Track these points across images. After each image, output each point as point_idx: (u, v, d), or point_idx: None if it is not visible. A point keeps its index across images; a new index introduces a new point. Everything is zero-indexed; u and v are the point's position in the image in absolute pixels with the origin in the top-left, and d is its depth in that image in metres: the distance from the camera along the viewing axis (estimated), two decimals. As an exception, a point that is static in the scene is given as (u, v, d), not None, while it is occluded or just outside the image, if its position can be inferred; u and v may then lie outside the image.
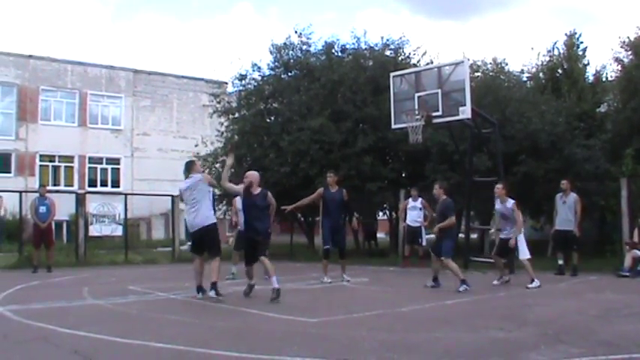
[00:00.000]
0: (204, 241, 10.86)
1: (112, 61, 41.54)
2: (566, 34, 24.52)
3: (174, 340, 7.04)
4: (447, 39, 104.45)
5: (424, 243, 17.93)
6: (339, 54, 24.58)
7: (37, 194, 18.20)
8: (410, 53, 24.17)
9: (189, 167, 11.57)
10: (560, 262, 15.15)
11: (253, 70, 25.05)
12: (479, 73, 23.73)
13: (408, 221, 17.81)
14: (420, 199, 17.79)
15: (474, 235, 18.03)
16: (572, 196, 15.24)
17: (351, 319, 8.81)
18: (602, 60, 52.27)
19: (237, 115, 25.21)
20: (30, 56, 35.65)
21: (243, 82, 25.24)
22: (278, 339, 7.20)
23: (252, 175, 11.22)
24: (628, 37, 20.18)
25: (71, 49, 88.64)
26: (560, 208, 15.36)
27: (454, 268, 12.07)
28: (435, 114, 15.26)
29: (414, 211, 17.70)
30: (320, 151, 21.22)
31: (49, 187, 28.67)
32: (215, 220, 11.16)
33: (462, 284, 11.77)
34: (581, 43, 24.36)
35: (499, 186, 13.08)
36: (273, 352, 6.44)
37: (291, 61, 24.70)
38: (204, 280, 10.84)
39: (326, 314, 9.04)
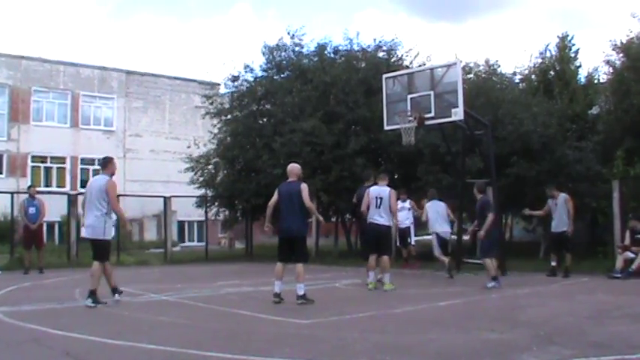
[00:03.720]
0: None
1: (104, 62, 41.43)
2: (558, 37, 24.63)
3: (166, 341, 7.04)
4: (443, 40, 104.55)
5: (413, 243, 18.08)
6: (332, 55, 24.60)
7: (26, 195, 18.21)
8: (403, 55, 24.23)
9: (104, 164, 10.90)
10: (553, 263, 15.17)
11: (246, 72, 25.12)
12: (471, 75, 23.78)
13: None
14: (408, 200, 17.85)
15: (466, 237, 18.01)
16: (562, 197, 15.29)
17: (343, 320, 8.81)
18: (594, 62, 52.49)
19: (229, 116, 25.23)
20: (22, 57, 35.53)
21: (236, 83, 25.28)
22: (270, 340, 7.20)
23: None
24: (620, 40, 20.24)
25: (64, 49, 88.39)
26: (554, 212, 15.38)
27: (489, 266, 12.64)
28: (427, 115, 15.26)
29: (402, 212, 17.72)
30: (312, 153, 21.22)
31: (41, 188, 28.65)
32: (102, 236, 10.23)
33: (493, 281, 12.46)
34: (574, 45, 24.47)
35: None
36: (266, 353, 6.44)
37: (284, 62, 24.73)
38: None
39: (318, 316, 9.03)
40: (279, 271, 10.45)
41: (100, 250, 10.37)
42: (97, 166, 36.32)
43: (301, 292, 10.25)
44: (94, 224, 10.20)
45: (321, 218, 11.82)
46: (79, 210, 12.39)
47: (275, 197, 10.71)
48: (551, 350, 6.47)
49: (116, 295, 10.56)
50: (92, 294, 10.01)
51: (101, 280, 10.39)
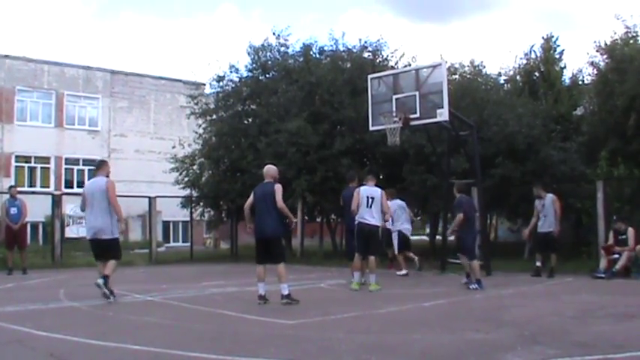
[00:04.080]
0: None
1: (89, 62, 41.21)
2: (543, 38, 24.76)
3: (151, 342, 7.01)
4: (429, 41, 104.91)
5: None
6: (317, 56, 24.58)
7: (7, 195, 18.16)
8: (388, 55, 24.20)
9: (99, 166, 11.49)
10: (538, 263, 15.17)
11: (231, 72, 25.06)
12: (456, 76, 23.84)
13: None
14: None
15: (451, 238, 18.05)
16: (549, 197, 15.28)
17: (328, 320, 8.81)
18: (578, 63, 52.76)
19: (214, 116, 25.19)
20: (6, 56, 35.23)
21: (221, 83, 25.20)
22: (255, 341, 7.19)
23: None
24: (605, 42, 20.35)
25: (48, 49, 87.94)
26: (541, 212, 15.37)
27: (475, 268, 12.58)
28: (412, 116, 15.27)
29: None
30: (297, 154, 21.17)
31: (25, 189, 28.52)
32: (111, 235, 10.87)
33: (476, 283, 12.37)
34: (558, 46, 24.62)
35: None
36: (251, 354, 6.43)
37: (269, 62, 24.68)
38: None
39: (303, 316, 9.02)
40: (260, 273, 10.43)
41: (112, 248, 10.91)
42: (81, 166, 36.27)
43: (285, 292, 10.21)
44: (102, 225, 10.70)
45: (294, 219, 11.80)
46: (80, 213, 12.61)
47: (250, 199, 10.79)
48: (536, 350, 6.50)
49: (111, 297, 10.66)
50: (106, 278, 10.48)
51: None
